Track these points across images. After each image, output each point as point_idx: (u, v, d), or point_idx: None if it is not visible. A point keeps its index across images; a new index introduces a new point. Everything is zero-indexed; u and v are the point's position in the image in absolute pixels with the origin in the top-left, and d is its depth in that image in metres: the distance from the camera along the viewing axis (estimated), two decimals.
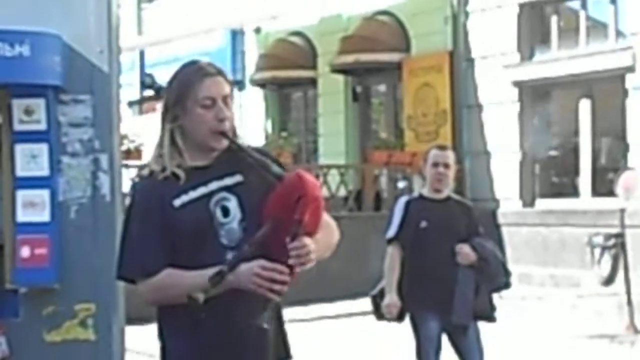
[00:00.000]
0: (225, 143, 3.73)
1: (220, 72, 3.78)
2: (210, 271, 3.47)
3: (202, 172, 3.70)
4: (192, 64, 3.85)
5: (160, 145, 3.72)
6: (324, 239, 3.77)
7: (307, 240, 3.57)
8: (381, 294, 7.48)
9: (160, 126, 3.75)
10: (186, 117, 3.69)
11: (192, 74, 3.75)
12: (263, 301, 3.58)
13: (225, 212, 3.68)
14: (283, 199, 3.61)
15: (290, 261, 3.53)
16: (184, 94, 3.69)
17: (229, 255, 3.59)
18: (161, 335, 3.77)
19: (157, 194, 3.65)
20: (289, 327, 3.81)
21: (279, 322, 3.83)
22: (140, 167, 3.74)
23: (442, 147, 7.88)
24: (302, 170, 3.78)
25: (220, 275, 3.45)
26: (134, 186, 3.89)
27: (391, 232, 7.47)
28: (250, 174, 3.74)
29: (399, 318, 7.40)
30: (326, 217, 3.85)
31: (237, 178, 3.72)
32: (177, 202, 3.63)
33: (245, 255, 3.51)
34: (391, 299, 7.26)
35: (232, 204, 3.69)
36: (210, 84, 3.71)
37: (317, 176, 18.78)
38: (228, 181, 3.71)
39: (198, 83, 3.69)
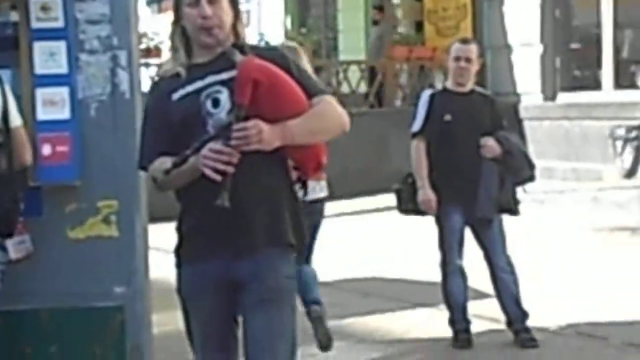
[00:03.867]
0: (212, 39, 3.91)
1: None
2: (169, 161, 3.80)
3: (202, 68, 3.92)
4: None
5: (172, 44, 3.98)
6: (306, 123, 3.91)
7: (249, 123, 3.73)
8: (407, 188, 7.46)
9: (172, 27, 4.01)
10: (183, 19, 3.90)
11: None
12: (221, 182, 3.73)
13: (216, 103, 3.88)
14: (234, 86, 3.82)
15: (232, 142, 3.69)
16: None
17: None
18: None
19: (162, 92, 3.92)
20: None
21: (296, 211, 4.08)
22: (160, 65, 3.89)
23: (465, 41, 7.79)
24: (249, 57, 3.90)
25: (183, 158, 3.74)
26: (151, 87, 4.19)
27: (416, 125, 7.41)
28: None
29: (422, 212, 7.38)
30: (319, 104, 4.00)
31: (233, 73, 3.84)
32: (175, 96, 3.89)
33: (206, 140, 3.77)
34: (425, 194, 7.21)
35: (224, 96, 3.88)
36: None
37: (336, 73, 18.79)
38: (224, 75, 3.88)
39: None
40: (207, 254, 3.93)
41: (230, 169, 3.69)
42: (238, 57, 3.89)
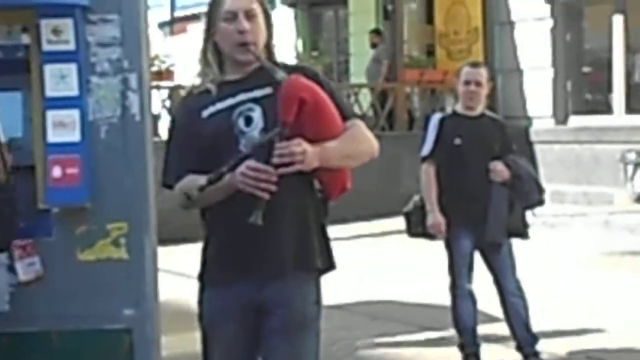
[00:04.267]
0: (250, 55, 3.83)
1: None
2: (202, 178, 3.69)
3: (233, 85, 3.84)
4: None
5: (203, 60, 3.92)
6: (342, 146, 3.87)
7: (293, 142, 3.68)
8: (416, 212, 7.47)
9: (203, 44, 3.94)
10: (217, 34, 3.84)
11: None
12: (254, 200, 3.68)
13: (249, 121, 3.80)
14: (279, 104, 3.73)
15: (275, 160, 3.64)
16: (214, 12, 3.86)
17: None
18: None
19: (191, 109, 3.85)
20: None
21: (323, 234, 4.04)
22: (172, 88, 3.86)
23: (474, 65, 7.82)
24: (295, 75, 3.84)
25: (218, 175, 3.64)
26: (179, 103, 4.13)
27: (426, 149, 7.42)
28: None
29: (431, 236, 7.38)
30: (352, 128, 3.97)
31: (267, 90, 3.82)
32: (205, 113, 3.81)
33: (242, 158, 3.69)
34: (435, 218, 7.22)
35: (256, 114, 3.81)
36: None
37: (348, 95, 18.82)
38: (257, 93, 3.82)
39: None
40: (234, 277, 3.86)
41: (272, 188, 3.64)
42: (281, 74, 3.82)
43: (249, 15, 3.82)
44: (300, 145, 3.67)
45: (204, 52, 3.92)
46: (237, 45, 3.81)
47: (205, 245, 4.00)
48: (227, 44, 3.84)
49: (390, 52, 20.41)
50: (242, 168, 3.66)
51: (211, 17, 3.89)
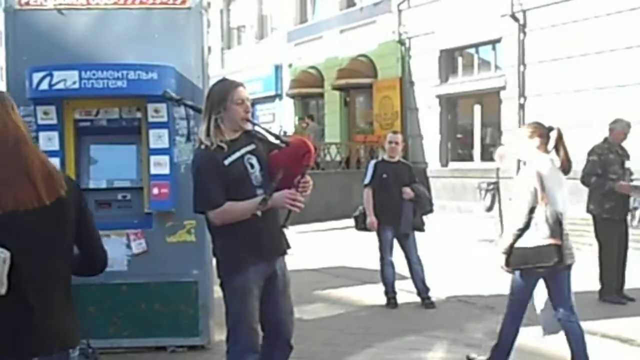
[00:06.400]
0: (249, 125, 3.69)
1: (242, 85, 3.71)
2: (257, 199, 3.49)
3: (236, 142, 3.61)
4: (224, 80, 3.75)
5: (207, 128, 3.57)
6: None
7: (308, 177, 3.59)
8: (361, 216, 7.47)
9: (206, 118, 3.60)
10: (225, 111, 3.58)
11: (228, 85, 3.67)
12: (285, 213, 3.58)
13: (252, 165, 3.62)
14: (294, 154, 3.60)
15: (300, 189, 3.53)
16: (225, 96, 3.59)
17: (258, 191, 3.56)
18: (215, 239, 3.69)
19: (213, 158, 3.53)
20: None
21: (282, 230, 3.81)
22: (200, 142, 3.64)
23: (395, 132, 7.85)
24: (305, 137, 3.79)
25: (265, 200, 3.45)
26: (196, 154, 3.71)
27: (367, 180, 7.45)
28: (258, 143, 3.71)
29: (369, 230, 7.39)
30: None
31: (252, 146, 3.66)
32: (227, 162, 3.54)
33: (274, 188, 3.48)
34: (371, 219, 7.25)
35: (254, 160, 3.63)
36: (241, 91, 3.66)
37: (323, 149, 18.86)
38: (249, 148, 3.65)
39: (234, 89, 3.63)
40: (258, 258, 3.60)
41: (302, 206, 3.49)
42: (284, 139, 3.75)
43: (248, 101, 3.68)
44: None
45: (215, 122, 3.54)
46: (243, 119, 3.60)
47: (225, 244, 3.62)
48: (237, 118, 3.58)
49: (316, 130, 20.48)
50: (287, 194, 3.46)
51: (222, 100, 3.56)
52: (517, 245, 4.65)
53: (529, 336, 5.43)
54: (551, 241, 4.55)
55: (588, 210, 7.49)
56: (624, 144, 7.54)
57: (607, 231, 7.34)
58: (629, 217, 7.59)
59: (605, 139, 7.45)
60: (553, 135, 4.70)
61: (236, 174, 3.55)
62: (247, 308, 3.59)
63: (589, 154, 7.42)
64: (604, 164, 7.28)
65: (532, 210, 4.59)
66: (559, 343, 5.08)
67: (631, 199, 7.53)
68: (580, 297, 7.39)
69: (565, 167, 4.69)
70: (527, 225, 4.61)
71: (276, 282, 3.72)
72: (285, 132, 20.24)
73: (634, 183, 7.30)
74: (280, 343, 3.75)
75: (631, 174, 7.53)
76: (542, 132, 4.72)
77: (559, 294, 4.74)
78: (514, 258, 4.68)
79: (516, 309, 4.86)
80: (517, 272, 4.79)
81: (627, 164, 7.46)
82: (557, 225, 4.57)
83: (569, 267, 4.68)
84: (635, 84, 12.67)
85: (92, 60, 5.27)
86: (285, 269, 3.83)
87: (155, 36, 5.49)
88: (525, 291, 4.81)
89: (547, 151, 4.72)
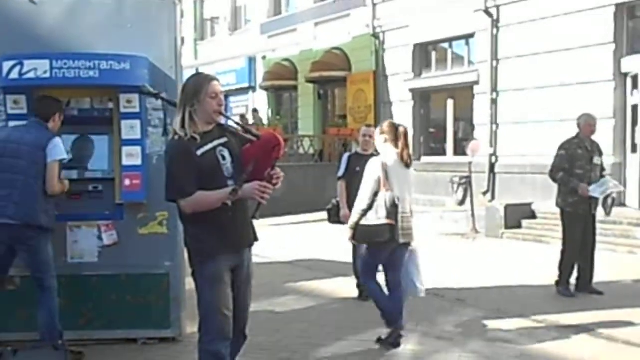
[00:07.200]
0: (221, 118, 3.74)
1: (217, 79, 3.77)
2: (227, 190, 3.53)
3: (208, 135, 3.66)
4: (199, 74, 3.81)
5: (182, 120, 3.61)
6: None
7: (279, 169, 3.63)
8: (334, 208, 7.47)
9: (180, 109, 3.64)
10: (199, 104, 3.62)
11: (203, 79, 3.71)
12: (255, 205, 3.63)
13: (224, 157, 3.67)
14: (264, 147, 3.66)
15: (273, 181, 3.58)
16: (199, 90, 3.63)
17: (230, 182, 3.61)
18: (186, 228, 3.73)
19: (186, 148, 3.56)
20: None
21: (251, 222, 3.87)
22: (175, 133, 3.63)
23: (368, 125, 7.86)
24: (275, 131, 3.82)
25: (235, 191, 3.49)
26: (170, 144, 3.77)
27: (340, 172, 7.44)
28: (230, 136, 3.77)
29: (342, 222, 7.38)
30: None
31: (225, 139, 3.72)
32: (199, 152, 3.57)
33: (244, 180, 3.52)
34: (345, 211, 7.14)
35: (226, 153, 3.68)
36: (215, 85, 3.69)
37: (297, 142, 18.87)
38: (222, 140, 3.70)
39: (208, 83, 3.66)
40: (227, 249, 3.66)
41: (268, 198, 3.53)
42: (255, 132, 3.81)
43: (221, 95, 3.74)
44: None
45: (189, 114, 3.59)
46: (216, 112, 3.66)
47: (196, 233, 3.66)
48: (210, 111, 3.64)
49: (258, 120, 20.78)
50: (256, 185, 3.49)
51: (197, 93, 3.61)
52: (361, 223, 5.47)
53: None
54: (387, 221, 5.36)
55: (557, 204, 7.62)
56: (599, 141, 7.67)
57: (571, 224, 7.50)
58: (600, 208, 7.70)
59: (577, 134, 7.58)
60: (401, 132, 5.58)
61: (208, 165, 3.59)
62: (218, 295, 3.63)
63: (559, 148, 7.56)
64: (571, 159, 7.42)
65: (375, 195, 5.42)
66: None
67: (607, 189, 7.60)
68: (549, 291, 7.55)
69: (406, 161, 5.55)
70: (369, 207, 5.43)
71: (241, 272, 3.79)
72: (258, 125, 20.24)
73: (592, 187, 7.40)
74: (236, 331, 3.80)
75: (603, 169, 7.64)
76: (391, 129, 5.62)
77: (392, 265, 5.61)
78: (359, 234, 5.53)
79: (367, 270, 5.75)
80: (365, 245, 5.77)
81: (598, 160, 7.58)
82: (393, 209, 5.38)
83: (406, 245, 5.59)
84: (606, 80, 12.84)
85: (64, 50, 5.22)
86: (250, 260, 3.89)
87: (129, 26, 5.45)
88: (371, 259, 5.68)
89: (396, 146, 5.54)
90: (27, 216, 4.82)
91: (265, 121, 21.53)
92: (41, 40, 5.31)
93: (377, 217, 5.39)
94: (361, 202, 5.50)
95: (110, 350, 5.36)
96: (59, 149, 4.94)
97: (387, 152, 5.59)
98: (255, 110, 21.22)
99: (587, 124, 7.56)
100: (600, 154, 7.63)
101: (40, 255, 4.93)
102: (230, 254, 3.69)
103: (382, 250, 5.52)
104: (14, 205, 4.79)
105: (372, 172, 5.50)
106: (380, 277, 5.76)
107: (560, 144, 7.59)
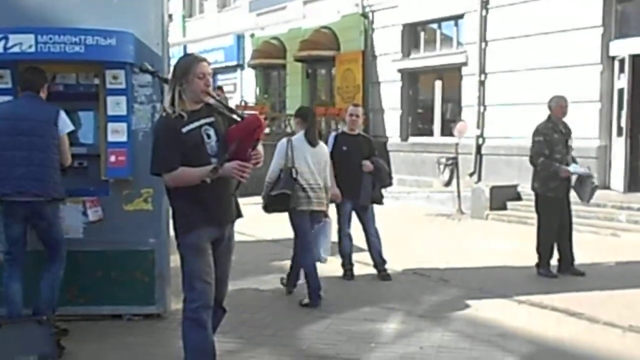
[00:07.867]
0: (208, 98, 3.84)
1: (206, 60, 3.86)
2: (208, 167, 3.64)
3: (195, 113, 3.77)
4: (190, 54, 3.96)
5: (172, 98, 3.74)
6: None
7: (260, 149, 3.79)
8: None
9: (170, 88, 3.77)
10: (188, 83, 3.73)
11: (192, 59, 3.83)
12: (236, 183, 3.81)
13: (209, 136, 3.77)
14: (246, 128, 3.74)
15: (253, 161, 3.72)
16: (188, 70, 3.74)
17: (213, 160, 3.71)
18: (172, 202, 3.85)
19: (172, 125, 3.69)
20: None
21: (236, 199, 4.00)
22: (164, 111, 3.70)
23: (356, 105, 7.82)
24: (257, 114, 3.97)
25: (216, 169, 3.61)
26: (157, 121, 3.93)
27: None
28: (217, 116, 3.86)
29: (332, 201, 7.30)
30: None
31: (211, 118, 3.82)
32: (185, 130, 3.70)
33: (225, 159, 3.65)
34: (334, 190, 6.91)
35: (212, 132, 3.79)
36: (203, 65, 3.79)
37: (284, 120, 18.81)
38: (208, 119, 3.80)
39: (196, 64, 3.77)
40: (209, 223, 3.78)
41: (247, 176, 3.66)
42: (239, 112, 3.90)
43: (209, 75, 3.82)
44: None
45: (178, 93, 3.71)
46: (203, 92, 3.75)
47: (180, 207, 3.78)
48: (197, 90, 3.73)
49: (224, 100, 20.19)
50: (235, 164, 3.61)
51: (186, 73, 3.71)
52: (270, 193, 6.25)
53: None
54: (285, 191, 6.18)
55: (532, 188, 7.67)
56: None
57: (550, 208, 7.56)
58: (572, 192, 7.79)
59: (549, 117, 7.59)
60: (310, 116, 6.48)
61: (192, 142, 3.70)
62: (201, 263, 3.76)
63: (534, 134, 7.55)
64: (550, 144, 7.46)
65: (281, 169, 6.24)
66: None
67: (585, 169, 7.71)
68: (532, 272, 7.62)
69: (311, 140, 6.37)
70: (276, 179, 6.23)
71: (221, 245, 3.91)
72: (246, 103, 20.14)
73: (572, 167, 7.49)
74: (215, 304, 3.89)
75: (571, 149, 7.69)
76: (301, 114, 6.57)
77: (300, 231, 6.38)
78: (268, 202, 6.31)
79: (302, 238, 6.41)
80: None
81: (571, 141, 7.65)
82: (290, 180, 6.19)
83: (309, 212, 6.33)
84: (594, 64, 12.88)
85: (50, 25, 5.18)
86: (232, 235, 4.02)
87: (115, 2, 5.42)
88: (300, 231, 6.40)
89: (303, 128, 6.42)
90: (51, 190, 4.89)
91: (249, 100, 21.45)
92: (26, 14, 5.27)
93: (280, 187, 6.21)
94: (270, 175, 6.30)
95: (95, 326, 5.37)
96: (67, 121, 4.99)
97: (297, 133, 6.50)
98: (219, 88, 20.95)
99: (559, 105, 7.59)
100: (570, 135, 7.69)
101: (57, 226, 5.03)
102: (212, 227, 3.82)
103: (303, 218, 6.32)
104: (37, 182, 4.83)
105: (279, 150, 6.36)
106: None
107: (535, 129, 7.58)
